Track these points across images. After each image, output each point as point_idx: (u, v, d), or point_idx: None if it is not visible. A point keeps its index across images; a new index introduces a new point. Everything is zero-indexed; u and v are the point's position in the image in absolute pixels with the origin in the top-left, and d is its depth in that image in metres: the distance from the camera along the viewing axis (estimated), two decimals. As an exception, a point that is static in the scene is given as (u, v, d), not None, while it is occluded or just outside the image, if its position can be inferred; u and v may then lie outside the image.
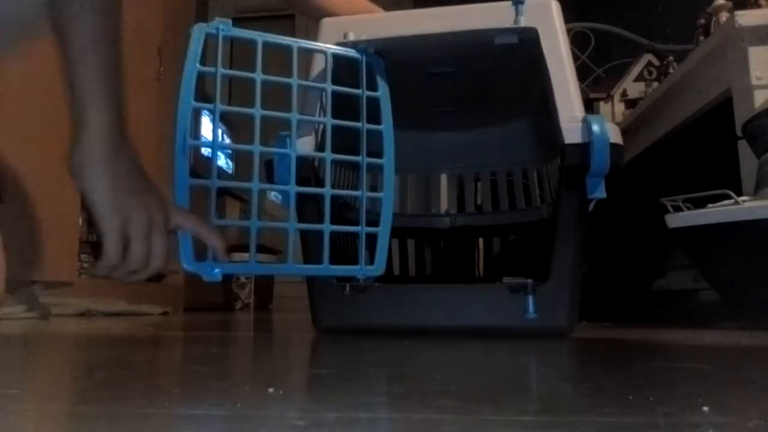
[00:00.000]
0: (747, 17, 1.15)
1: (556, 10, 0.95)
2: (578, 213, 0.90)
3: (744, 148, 1.12)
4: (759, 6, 1.23)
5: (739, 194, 0.96)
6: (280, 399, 0.39)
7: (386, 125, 0.92)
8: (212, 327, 1.27)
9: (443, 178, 1.35)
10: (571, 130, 0.87)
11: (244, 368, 0.61)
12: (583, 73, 2.57)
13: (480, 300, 0.95)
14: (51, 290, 1.68)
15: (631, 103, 1.89)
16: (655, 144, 1.55)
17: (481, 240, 1.38)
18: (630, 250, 1.71)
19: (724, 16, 1.34)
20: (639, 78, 1.92)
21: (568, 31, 1.61)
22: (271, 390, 0.41)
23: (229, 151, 3.11)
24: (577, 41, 2.35)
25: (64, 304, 1.65)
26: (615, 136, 0.86)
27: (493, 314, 0.93)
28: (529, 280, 0.90)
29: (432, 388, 0.43)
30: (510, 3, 0.93)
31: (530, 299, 0.89)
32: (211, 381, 0.48)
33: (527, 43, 0.93)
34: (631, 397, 0.39)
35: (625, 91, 1.94)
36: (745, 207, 0.93)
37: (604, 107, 1.99)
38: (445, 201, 1.36)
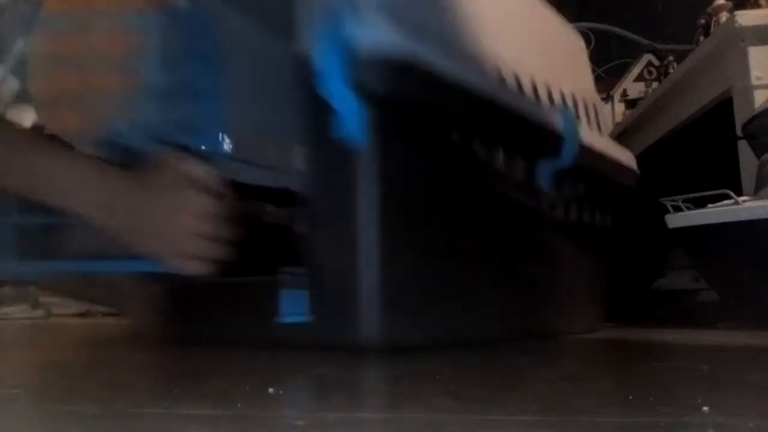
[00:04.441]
0: (747, 17, 1.15)
1: None
2: None
3: (744, 148, 1.12)
4: (759, 6, 1.23)
5: (739, 194, 0.96)
6: (280, 399, 0.39)
7: None
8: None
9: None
10: None
11: (244, 368, 0.61)
12: (583, 73, 2.56)
13: None
14: (51, 290, 1.68)
15: (631, 103, 1.89)
16: (655, 144, 1.55)
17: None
18: (630, 250, 1.71)
19: (724, 16, 1.34)
20: (639, 78, 1.92)
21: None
22: (271, 390, 0.41)
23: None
24: (577, 41, 2.34)
25: (64, 304, 1.65)
26: None
27: None
28: None
29: (432, 388, 0.43)
30: None
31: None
32: (211, 381, 0.48)
33: None
34: (631, 397, 0.39)
35: (625, 91, 1.94)
36: (745, 207, 0.92)
37: (604, 107, 1.99)
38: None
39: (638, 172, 1.05)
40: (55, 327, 1.27)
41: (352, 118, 0.58)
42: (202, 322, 0.76)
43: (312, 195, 0.65)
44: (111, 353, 0.76)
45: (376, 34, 0.57)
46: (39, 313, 1.52)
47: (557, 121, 0.80)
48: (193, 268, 0.61)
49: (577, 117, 0.90)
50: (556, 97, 0.87)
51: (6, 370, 0.59)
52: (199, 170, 0.61)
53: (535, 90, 0.83)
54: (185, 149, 0.68)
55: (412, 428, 0.31)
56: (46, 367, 0.61)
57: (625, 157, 1.02)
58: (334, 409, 0.35)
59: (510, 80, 0.77)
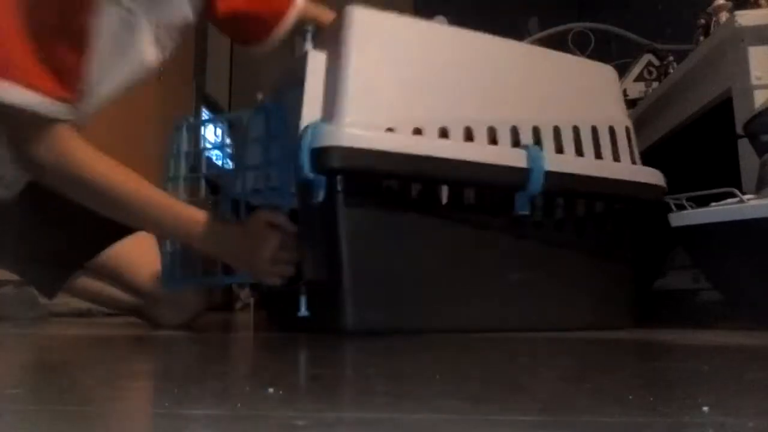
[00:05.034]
0: (747, 17, 1.15)
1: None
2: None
3: (744, 147, 1.12)
4: (759, 6, 1.23)
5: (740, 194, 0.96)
6: (280, 399, 0.39)
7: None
8: (212, 327, 1.27)
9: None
10: None
11: (244, 368, 0.61)
12: (583, 73, 2.55)
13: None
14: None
15: (631, 103, 1.88)
16: (656, 144, 1.55)
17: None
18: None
19: (724, 16, 1.34)
20: (639, 78, 1.92)
21: (568, 31, 1.61)
22: (271, 390, 0.41)
23: (229, 150, 3.13)
24: (577, 41, 2.35)
25: (63, 304, 1.65)
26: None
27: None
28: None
29: (432, 388, 0.43)
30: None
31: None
32: (211, 381, 0.48)
33: None
34: (631, 397, 0.39)
35: (625, 91, 1.93)
36: (750, 205, 0.92)
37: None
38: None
39: (663, 186, 1.13)
40: (54, 327, 1.27)
41: (321, 184, 0.89)
42: (275, 313, 1.19)
43: (302, 233, 0.94)
44: (111, 353, 0.76)
45: (333, 134, 0.88)
46: (38, 312, 1.52)
47: (520, 159, 0.98)
48: (273, 281, 0.93)
49: (579, 146, 1.05)
50: (546, 134, 1.03)
51: (6, 369, 0.59)
52: (278, 218, 0.92)
53: (514, 133, 1.01)
54: (269, 198, 0.98)
55: (412, 428, 0.31)
56: (46, 367, 0.61)
57: (643, 174, 1.12)
58: (334, 409, 0.35)
59: (478, 135, 0.97)
